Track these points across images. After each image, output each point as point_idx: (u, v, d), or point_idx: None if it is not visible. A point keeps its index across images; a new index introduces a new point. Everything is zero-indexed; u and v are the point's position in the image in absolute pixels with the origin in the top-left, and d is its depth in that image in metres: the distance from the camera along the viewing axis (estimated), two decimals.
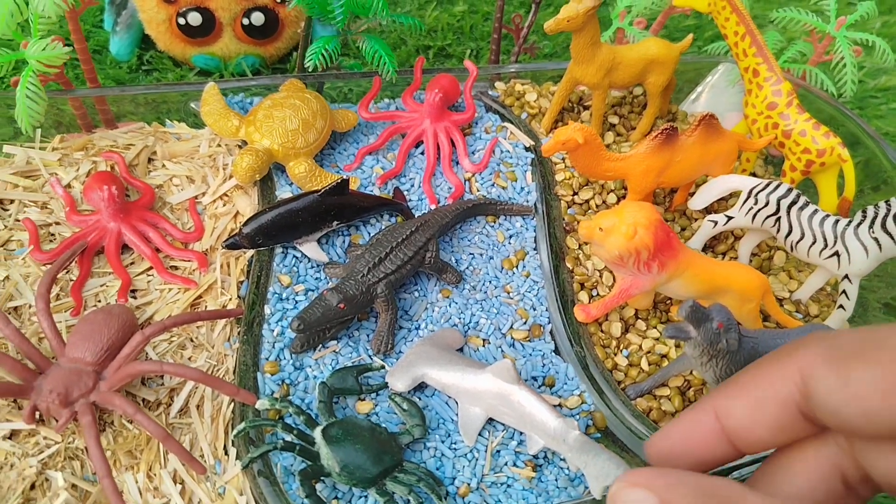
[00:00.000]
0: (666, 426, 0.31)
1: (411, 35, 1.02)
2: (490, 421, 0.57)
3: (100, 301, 0.62)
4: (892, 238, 0.60)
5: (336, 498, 0.53)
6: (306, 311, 0.57)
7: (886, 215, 0.60)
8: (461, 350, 0.62)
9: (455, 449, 0.56)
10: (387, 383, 0.58)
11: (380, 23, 0.75)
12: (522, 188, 0.74)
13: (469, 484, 0.54)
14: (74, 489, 0.51)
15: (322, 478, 0.52)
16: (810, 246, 0.63)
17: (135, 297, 0.63)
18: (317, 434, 0.53)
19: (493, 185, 0.74)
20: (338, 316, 0.58)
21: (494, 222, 0.72)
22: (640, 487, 0.25)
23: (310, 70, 0.72)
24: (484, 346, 0.63)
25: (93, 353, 0.55)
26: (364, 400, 0.58)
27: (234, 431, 0.53)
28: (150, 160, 0.73)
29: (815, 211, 0.63)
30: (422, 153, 0.76)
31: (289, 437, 0.53)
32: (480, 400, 0.56)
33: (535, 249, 0.70)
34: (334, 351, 0.60)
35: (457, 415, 0.58)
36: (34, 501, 0.51)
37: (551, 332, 0.65)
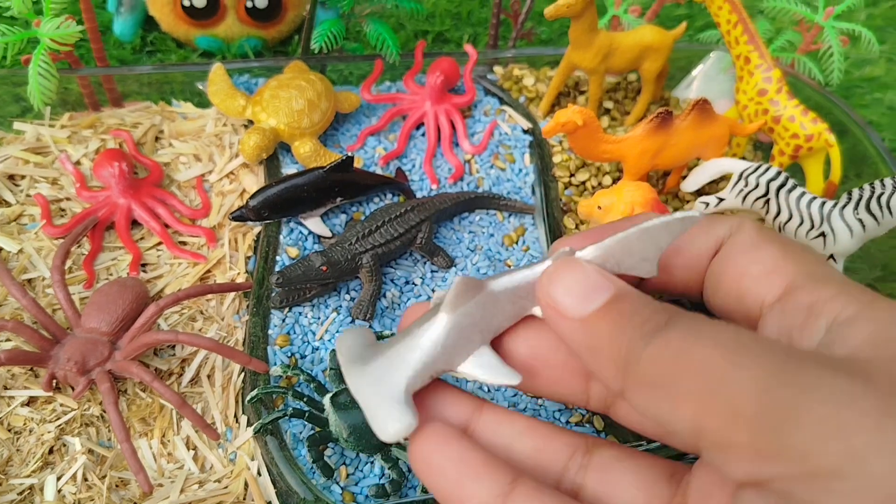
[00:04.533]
0: None
1: (410, 19, 1.03)
2: None
3: (111, 274, 0.63)
4: (875, 219, 0.63)
5: (344, 464, 0.55)
6: (288, 267, 0.59)
7: (871, 197, 0.62)
8: None
9: None
10: None
11: (383, 6, 0.77)
12: (521, 170, 0.76)
13: None
14: (91, 454, 0.53)
15: (330, 444, 0.54)
16: (798, 227, 0.66)
17: (145, 272, 0.64)
18: (326, 401, 0.55)
19: (491, 166, 0.77)
20: (319, 277, 0.60)
21: None
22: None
23: (315, 52, 0.73)
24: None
25: (108, 323, 0.57)
26: None
27: (249, 397, 0.55)
28: (157, 139, 0.74)
29: (803, 193, 0.66)
30: (423, 135, 0.78)
31: (299, 405, 0.55)
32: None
33: (533, 225, 0.73)
34: (333, 321, 0.62)
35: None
36: (53, 465, 0.52)
37: None
